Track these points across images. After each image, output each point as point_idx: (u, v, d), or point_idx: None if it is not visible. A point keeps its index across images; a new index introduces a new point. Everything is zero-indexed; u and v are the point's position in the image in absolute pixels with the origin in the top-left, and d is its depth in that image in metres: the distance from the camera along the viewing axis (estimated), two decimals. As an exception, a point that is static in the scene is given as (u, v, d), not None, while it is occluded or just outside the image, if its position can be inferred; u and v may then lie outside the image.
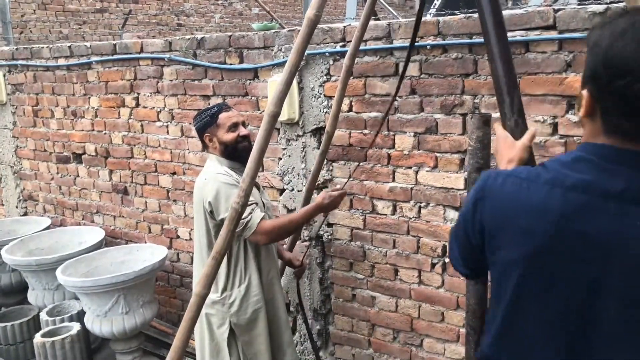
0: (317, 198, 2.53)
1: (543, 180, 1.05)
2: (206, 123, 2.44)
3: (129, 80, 3.63)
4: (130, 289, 3.23)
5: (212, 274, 1.98)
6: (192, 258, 3.69)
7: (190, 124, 3.45)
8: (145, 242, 3.86)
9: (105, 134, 3.87)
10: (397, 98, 2.65)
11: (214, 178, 2.36)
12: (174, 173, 3.62)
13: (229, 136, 2.42)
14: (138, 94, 3.63)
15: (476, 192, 1.18)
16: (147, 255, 3.60)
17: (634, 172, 0.99)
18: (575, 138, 2.25)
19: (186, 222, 3.65)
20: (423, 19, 2.54)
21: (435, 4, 6.31)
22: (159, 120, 3.59)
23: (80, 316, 3.40)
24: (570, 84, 2.21)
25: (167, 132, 3.57)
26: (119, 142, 3.82)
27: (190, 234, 3.66)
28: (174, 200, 3.67)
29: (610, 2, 2.18)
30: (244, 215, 2.27)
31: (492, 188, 1.14)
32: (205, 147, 2.52)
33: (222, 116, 2.44)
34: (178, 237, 3.73)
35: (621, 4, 2.07)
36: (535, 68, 2.28)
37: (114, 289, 3.17)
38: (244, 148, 2.39)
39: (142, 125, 3.68)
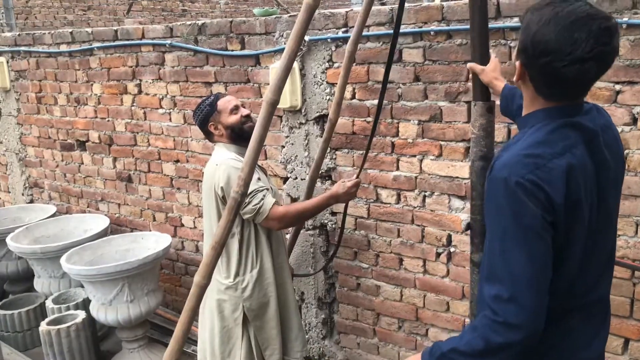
0: (333, 188, 2.54)
1: (559, 152, 1.26)
2: (207, 113, 2.45)
3: (131, 66, 3.59)
4: (134, 277, 3.23)
5: (211, 263, 1.95)
6: (197, 246, 3.69)
7: (192, 111, 3.41)
8: (150, 230, 3.85)
9: (108, 121, 3.85)
10: (400, 85, 2.60)
11: (225, 163, 2.36)
12: (177, 161, 3.60)
13: (233, 118, 2.44)
14: (140, 80, 3.59)
15: (527, 190, 1.23)
16: (151, 243, 3.59)
17: (577, 118, 1.29)
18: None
19: (190, 210, 3.64)
20: (427, 3, 2.48)
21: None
22: (161, 107, 3.55)
23: (86, 304, 3.41)
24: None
25: (170, 120, 3.54)
26: (122, 129, 3.80)
27: (194, 222, 3.65)
28: (178, 188, 3.66)
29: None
30: (255, 201, 2.30)
31: (539, 176, 1.23)
32: (210, 137, 2.51)
33: (221, 102, 2.46)
34: (182, 225, 3.72)
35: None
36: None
37: (119, 277, 3.17)
38: (250, 127, 2.38)
39: (144, 113, 3.65)
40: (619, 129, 2.11)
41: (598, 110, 1.39)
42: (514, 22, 2.23)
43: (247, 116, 2.48)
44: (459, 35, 2.38)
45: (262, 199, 2.32)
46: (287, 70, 1.82)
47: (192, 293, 1.99)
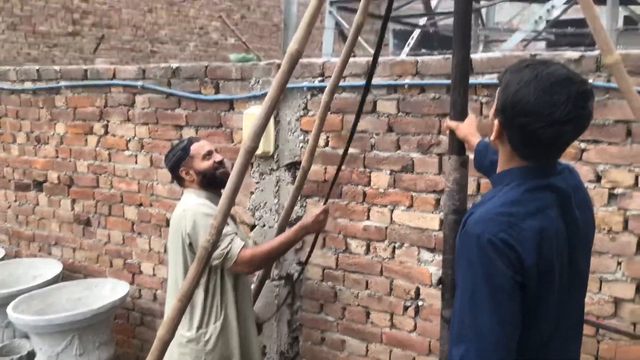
0: (302, 219, 2.45)
1: (532, 213, 1.26)
2: (180, 157, 2.39)
3: (99, 107, 3.52)
4: (86, 328, 3.05)
5: (177, 317, 1.86)
6: (155, 295, 3.54)
7: (160, 154, 3.34)
8: (106, 277, 3.68)
9: (70, 161, 3.72)
10: (373, 135, 2.63)
11: (192, 209, 2.29)
12: (141, 204, 3.49)
13: (205, 164, 2.39)
14: (108, 121, 3.51)
15: (496, 250, 1.22)
16: (107, 291, 3.42)
17: (552, 178, 1.31)
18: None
19: (151, 257, 3.50)
20: (401, 58, 2.55)
21: (410, 43, 6.44)
22: (127, 149, 3.47)
23: (30, 357, 3.18)
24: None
25: (136, 162, 3.45)
26: (84, 170, 3.67)
27: (154, 269, 3.51)
28: (139, 233, 3.53)
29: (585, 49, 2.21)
30: (223, 245, 2.21)
31: (509, 238, 1.23)
32: (181, 183, 2.45)
33: (194, 147, 2.41)
34: (141, 272, 3.57)
35: (596, 52, 2.10)
36: (513, 111, 2.28)
37: (69, 329, 2.98)
38: (223, 174, 2.37)
39: (109, 154, 3.55)
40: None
41: (570, 171, 1.43)
42: (486, 79, 2.31)
43: (220, 162, 2.44)
44: (432, 90, 2.44)
45: (230, 242, 2.25)
46: (267, 118, 1.81)
47: (154, 347, 1.88)
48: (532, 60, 1.32)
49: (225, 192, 1.84)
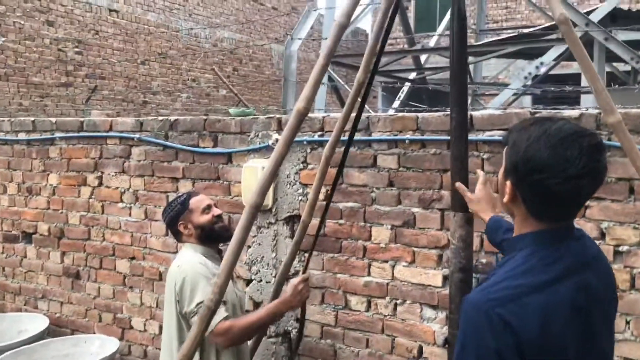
0: (282, 294, 2.32)
1: (540, 286, 1.18)
2: (178, 211, 2.35)
3: (94, 158, 3.49)
4: (73, 387, 2.91)
5: (177, 379, 1.78)
6: (145, 351, 3.41)
7: (155, 206, 3.30)
8: (94, 332, 3.55)
9: (61, 213, 3.65)
10: (374, 189, 2.63)
11: (187, 266, 2.23)
12: (133, 258, 3.41)
13: (204, 218, 2.34)
14: (102, 173, 3.48)
15: (497, 333, 1.14)
16: (95, 347, 3.29)
17: (567, 244, 1.24)
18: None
19: (142, 312, 3.40)
20: (402, 114, 2.58)
21: (400, 97, 6.58)
22: (122, 201, 3.42)
23: (12, 419, 3.01)
24: (549, 184, 2.24)
25: (130, 214, 3.40)
26: (76, 222, 3.60)
27: (145, 324, 3.39)
28: (131, 287, 3.43)
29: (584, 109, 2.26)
30: (198, 314, 2.08)
31: (510, 318, 1.15)
32: (178, 237, 2.40)
33: (193, 201, 2.38)
34: (131, 327, 3.45)
35: (595, 111, 2.15)
36: (514, 167, 2.30)
37: (55, 388, 2.84)
38: (222, 228, 2.34)
39: (102, 206, 3.49)
40: (589, 243, 2.18)
41: (588, 239, 1.35)
42: (486, 135, 2.34)
43: (219, 216, 2.40)
44: (433, 145, 2.46)
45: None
46: (273, 173, 1.80)
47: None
48: (536, 118, 1.30)
49: (230, 247, 1.80)
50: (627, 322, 2.12)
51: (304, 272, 2.42)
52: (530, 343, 1.11)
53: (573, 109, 2.28)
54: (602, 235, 2.16)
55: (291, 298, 2.26)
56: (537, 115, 2.25)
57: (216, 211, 2.41)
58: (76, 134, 3.54)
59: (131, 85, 8.57)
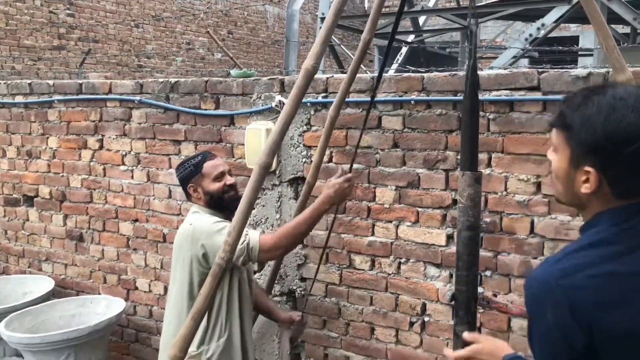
0: (324, 191, 2.25)
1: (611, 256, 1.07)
2: (190, 173, 2.32)
3: (94, 121, 3.46)
4: (82, 345, 2.96)
5: (190, 335, 1.82)
6: (150, 311, 3.47)
7: (157, 169, 3.30)
8: (99, 294, 3.59)
9: (62, 176, 3.65)
10: (379, 150, 2.63)
11: (201, 221, 2.24)
12: (136, 220, 3.43)
13: (215, 186, 2.31)
14: (103, 135, 3.45)
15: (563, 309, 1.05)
16: (101, 308, 3.35)
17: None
18: (558, 198, 2.27)
19: (146, 273, 3.43)
20: (408, 74, 2.56)
21: (398, 59, 6.52)
22: (123, 164, 3.41)
23: (22, 376, 3.08)
24: (554, 144, 2.25)
25: (132, 177, 3.40)
26: (77, 185, 3.60)
27: (150, 285, 3.44)
28: (135, 249, 3.46)
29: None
30: (240, 240, 2.06)
31: (577, 290, 1.06)
32: (188, 197, 2.39)
33: (207, 165, 2.33)
34: (137, 288, 3.50)
35: (603, 70, 2.14)
36: (519, 127, 2.31)
37: (65, 346, 2.90)
38: (231, 198, 2.29)
39: (104, 169, 3.49)
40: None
41: None
42: (493, 95, 2.33)
43: (231, 186, 2.35)
44: (439, 106, 2.46)
45: (246, 234, 2.16)
46: (282, 133, 1.80)
47: (165, 366, 1.84)
48: (582, 92, 1.15)
49: (240, 206, 1.82)
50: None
51: (347, 172, 2.30)
52: (595, 316, 1.02)
53: (577, 67, 2.27)
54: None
55: (334, 194, 2.20)
56: (545, 74, 2.24)
57: (229, 180, 2.36)
58: (75, 97, 3.50)
59: (125, 48, 8.43)
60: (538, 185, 2.31)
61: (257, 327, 2.94)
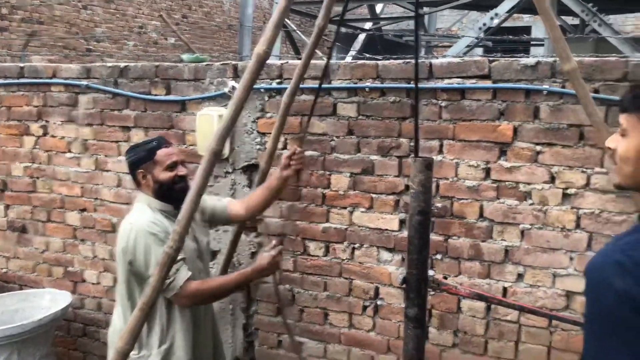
0: (256, 262, 2.27)
1: None
2: (142, 158, 2.20)
3: (37, 106, 3.31)
4: (26, 342, 2.85)
5: (136, 328, 1.77)
6: (99, 304, 3.37)
7: (106, 156, 3.19)
8: (44, 287, 3.46)
9: (3, 164, 3.47)
10: (333, 137, 2.63)
11: (138, 226, 2.11)
12: (84, 209, 3.31)
13: (166, 175, 2.19)
14: (47, 121, 3.30)
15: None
16: (46, 302, 3.22)
17: None
18: (507, 183, 2.33)
19: (95, 264, 3.33)
20: (363, 61, 2.56)
21: (355, 47, 6.52)
22: (69, 151, 3.28)
23: (-38, 374, 2.94)
24: (503, 131, 2.30)
25: (79, 165, 3.27)
26: (19, 173, 3.44)
27: (98, 277, 3.34)
28: (82, 240, 3.34)
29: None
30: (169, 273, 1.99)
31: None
32: (136, 184, 2.30)
33: (161, 152, 2.21)
34: (84, 280, 3.38)
35: (550, 59, 2.20)
36: (470, 115, 2.35)
37: (6, 343, 2.78)
38: (181, 189, 2.16)
39: (49, 156, 3.34)
40: (539, 187, 2.28)
41: None
42: (445, 83, 2.36)
43: (183, 177, 2.24)
44: (393, 93, 2.47)
45: (176, 272, 2.05)
46: (233, 119, 1.77)
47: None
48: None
49: (190, 194, 1.78)
50: (571, 259, 2.26)
51: (281, 244, 2.36)
52: None
53: (528, 56, 2.32)
54: (552, 179, 2.26)
55: (268, 266, 2.21)
56: (495, 62, 2.29)
57: (182, 170, 2.25)
58: (16, 81, 3.33)
59: (73, 31, 8.07)
60: (487, 171, 2.36)
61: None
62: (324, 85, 2.57)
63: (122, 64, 3.08)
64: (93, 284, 3.35)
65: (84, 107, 3.19)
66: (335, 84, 2.56)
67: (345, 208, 2.65)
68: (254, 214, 2.46)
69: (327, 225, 2.70)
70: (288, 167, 2.34)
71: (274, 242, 2.32)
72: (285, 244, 2.43)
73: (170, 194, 2.18)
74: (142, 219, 2.15)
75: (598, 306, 1.08)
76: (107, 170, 3.19)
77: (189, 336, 2.20)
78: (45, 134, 3.33)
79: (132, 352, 2.10)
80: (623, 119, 1.18)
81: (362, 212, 2.62)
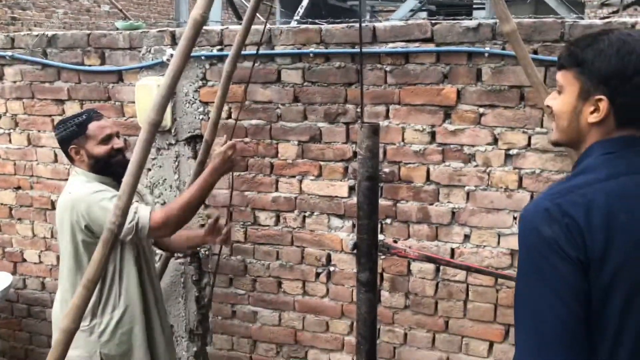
0: (210, 162, 2.18)
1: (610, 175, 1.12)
2: (72, 133, 2.11)
3: (-42, 80, 3.07)
4: (-35, 327, 2.71)
5: (82, 305, 1.72)
6: (42, 283, 3.25)
7: (39, 131, 3.02)
8: (-18, 269, 3.29)
9: None
10: (279, 105, 2.58)
11: (79, 191, 2.07)
12: (19, 187, 3.14)
13: (101, 149, 2.11)
14: (-30, 96, 3.08)
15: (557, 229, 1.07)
16: (-16, 284, 3.07)
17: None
18: (451, 146, 2.37)
19: (35, 243, 3.19)
20: (305, 26, 2.50)
21: (299, 12, 6.38)
22: (-1, 127, 3.08)
23: None
24: (447, 94, 2.32)
25: (10, 141, 3.08)
26: (-56, 152, 3.21)
27: (40, 256, 3.20)
28: (19, 219, 3.19)
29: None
30: (129, 218, 1.98)
31: (568, 213, 1.08)
32: (70, 160, 2.19)
33: (93, 126, 2.12)
34: (24, 260, 3.24)
35: (491, 21, 2.21)
36: (414, 79, 2.35)
37: (-55, 330, 2.64)
38: (118, 162, 2.10)
39: (-24, 133, 3.13)
40: (483, 149, 2.32)
41: None
42: (389, 47, 2.35)
43: (119, 150, 2.16)
44: (337, 58, 2.43)
45: (135, 212, 2.03)
46: (171, 88, 1.69)
47: (57, 340, 1.74)
48: (590, 34, 1.21)
49: (130, 168, 1.70)
50: (514, 218, 2.34)
51: (228, 139, 2.24)
52: (587, 229, 1.06)
53: (470, 19, 2.33)
54: (495, 141, 2.31)
55: (220, 164, 2.12)
56: (438, 25, 2.28)
57: (117, 143, 2.17)
58: None
59: (-6, -2, 7.53)
60: (433, 135, 2.39)
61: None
62: (266, 52, 2.51)
63: (50, 33, 2.88)
64: (35, 263, 3.22)
65: (10, 80, 2.99)
66: (279, 49, 2.50)
67: (294, 177, 2.63)
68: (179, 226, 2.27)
69: (276, 194, 2.67)
70: (212, 235, 2.31)
71: (225, 138, 2.23)
72: (235, 142, 2.26)
73: (107, 168, 2.11)
74: (80, 186, 2.09)
75: (525, 250, 1.13)
76: (42, 146, 3.03)
77: (140, 293, 2.20)
78: (-31, 109, 3.11)
79: (82, 323, 2.06)
80: (559, 76, 1.21)
81: (311, 180, 2.61)
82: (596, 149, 1.16)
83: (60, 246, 2.20)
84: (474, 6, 6.78)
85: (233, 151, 2.16)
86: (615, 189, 1.10)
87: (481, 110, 2.29)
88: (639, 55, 1.11)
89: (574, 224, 1.06)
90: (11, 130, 3.07)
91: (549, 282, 1.07)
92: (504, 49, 2.18)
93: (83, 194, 2.06)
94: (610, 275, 1.06)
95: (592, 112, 1.15)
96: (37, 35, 2.89)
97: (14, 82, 2.99)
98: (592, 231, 1.06)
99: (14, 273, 3.23)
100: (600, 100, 1.13)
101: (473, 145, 2.33)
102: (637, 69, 1.11)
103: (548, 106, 1.25)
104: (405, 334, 2.62)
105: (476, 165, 2.35)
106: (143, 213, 2.05)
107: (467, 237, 2.43)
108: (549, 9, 5.02)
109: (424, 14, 7.46)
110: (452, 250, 2.46)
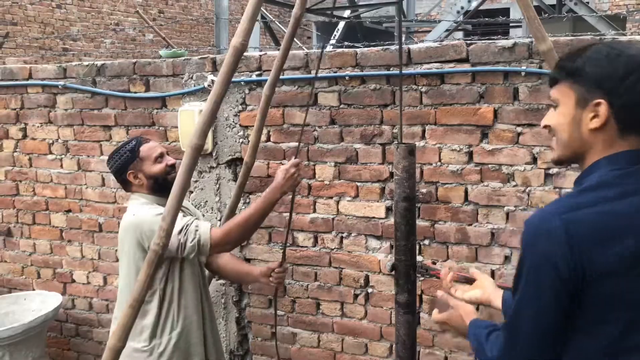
0: (274, 180, 2.14)
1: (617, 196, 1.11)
2: (127, 159, 2.19)
3: (15, 109, 3.26)
4: (17, 344, 2.84)
5: (128, 324, 1.77)
6: (90, 304, 3.36)
7: (88, 156, 3.16)
8: (34, 289, 3.44)
9: (-16, 169, 3.43)
10: (316, 127, 2.62)
11: (143, 212, 2.14)
12: (69, 211, 3.28)
13: (157, 168, 2.19)
14: (26, 124, 3.26)
15: (554, 240, 1.08)
16: (36, 304, 3.21)
17: None
18: (490, 166, 2.35)
19: (83, 264, 3.31)
20: (341, 50, 2.56)
21: (335, 35, 6.50)
22: (51, 153, 3.24)
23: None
24: (484, 114, 2.32)
25: (61, 166, 3.24)
26: (1, 178, 3.40)
27: (88, 277, 3.32)
28: (69, 241, 3.32)
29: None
30: (191, 237, 2.04)
31: (572, 226, 1.08)
32: (127, 187, 2.26)
33: (144, 148, 2.21)
34: (73, 281, 3.37)
35: (527, 40, 2.21)
36: (450, 99, 2.36)
37: (-1, 346, 2.76)
38: (174, 179, 2.17)
39: (30, 159, 3.30)
40: (522, 168, 2.30)
41: None
42: (424, 68, 2.37)
43: (172, 166, 2.24)
44: (373, 81, 2.47)
45: (196, 229, 2.08)
46: (213, 114, 1.75)
47: (105, 359, 1.78)
48: (576, 48, 1.22)
49: (173, 191, 1.76)
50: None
51: (295, 157, 2.17)
52: (589, 248, 1.06)
53: (506, 38, 2.34)
54: (534, 160, 2.28)
55: (283, 182, 2.08)
56: (473, 46, 2.30)
57: (169, 160, 2.25)
58: (-9, 84, 3.28)
59: (47, 31, 7.94)
60: (470, 155, 2.38)
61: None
62: (303, 76, 2.57)
63: (99, 62, 3.04)
64: (83, 284, 3.34)
65: (62, 108, 3.15)
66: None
67: (331, 198, 2.66)
68: (239, 242, 2.36)
69: (314, 215, 2.71)
70: (267, 278, 2.30)
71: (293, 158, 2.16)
72: (300, 160, 2.19)
73: (166, 184, 2.16)
74: (142, 208, 2.16)
75: (523, 257, 1.16)
76: (91, 171, 3.17)
77: (198, 315, 2.24)
78: (25, 137, 3.29)
79: (140, 344, 2.15)
80: (553, 92, 1.21)
81: (348, 201, 2.63)
82: (603, 165, 1.14)
83: (121, 266, 2.27)
84: (511, 24, 6.73)
85: (296, 169, 2.11)
86: (625, 210, 1.09)
87: (519, 129, 2.27)
88: (628, 56, 1.12)
89: (576, 242, 1.06)
90: (62, 156, 3.22)
91: (534, 293, 1.12)
92: (540, 67, 2.17)
93: (146, 216, 2.12)
94: (611, 293, 1.08)
95: (592, 119, 1.13)
96: (87, 65, 3.05)
97: (66, 109, 3.15)
98: (595, 251, 1.06)
99: (63, 293, 3.36)
100: (598, 104, 1.12)
101: (512, 165, 2.31)
102: (628, 69, 1.11)
103: (546, 126, 1.23)
104: (446, 357, 2.58)
105: (515, 185, 2.32)
106: (204, 229, 2.09)
107: (507, 259, 2.39)
108: (587, 26, 4.93)
109: (459, 34, 7.46)
110: (492, 271, 2.42)
